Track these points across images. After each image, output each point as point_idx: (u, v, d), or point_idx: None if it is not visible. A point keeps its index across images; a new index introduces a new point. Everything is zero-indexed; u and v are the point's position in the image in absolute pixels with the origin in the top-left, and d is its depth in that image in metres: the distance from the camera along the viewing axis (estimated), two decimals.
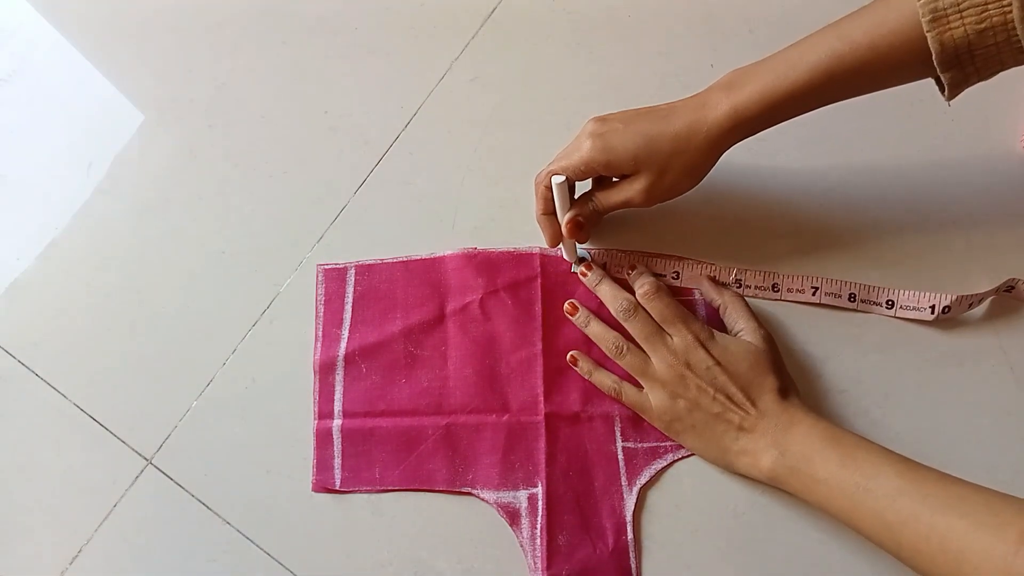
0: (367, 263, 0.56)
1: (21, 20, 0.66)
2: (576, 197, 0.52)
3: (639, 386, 0.50)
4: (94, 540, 0.52)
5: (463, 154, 0.59)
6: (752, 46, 0.60)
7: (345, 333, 0.54)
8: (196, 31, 0.64)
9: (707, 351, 0.48)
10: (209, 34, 0.64)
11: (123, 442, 0.54)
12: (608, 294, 0.52)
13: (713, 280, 0.53)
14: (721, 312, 0.52)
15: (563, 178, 0.49)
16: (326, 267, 0.56)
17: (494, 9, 0.63)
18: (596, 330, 0.52)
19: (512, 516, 0.50)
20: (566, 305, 0.53)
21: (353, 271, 0.55)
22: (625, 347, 0.50)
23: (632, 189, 0.48)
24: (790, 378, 0.49)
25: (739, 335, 0.50)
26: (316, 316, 0.55)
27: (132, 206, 0.59)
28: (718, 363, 0.48)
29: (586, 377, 0.52)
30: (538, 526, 0.50)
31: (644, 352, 0.50)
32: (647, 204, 0.49)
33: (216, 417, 0.54)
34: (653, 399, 0.49)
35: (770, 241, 0.55)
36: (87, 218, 0.59)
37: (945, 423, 0.50)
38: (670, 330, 0.50)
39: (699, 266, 0.53)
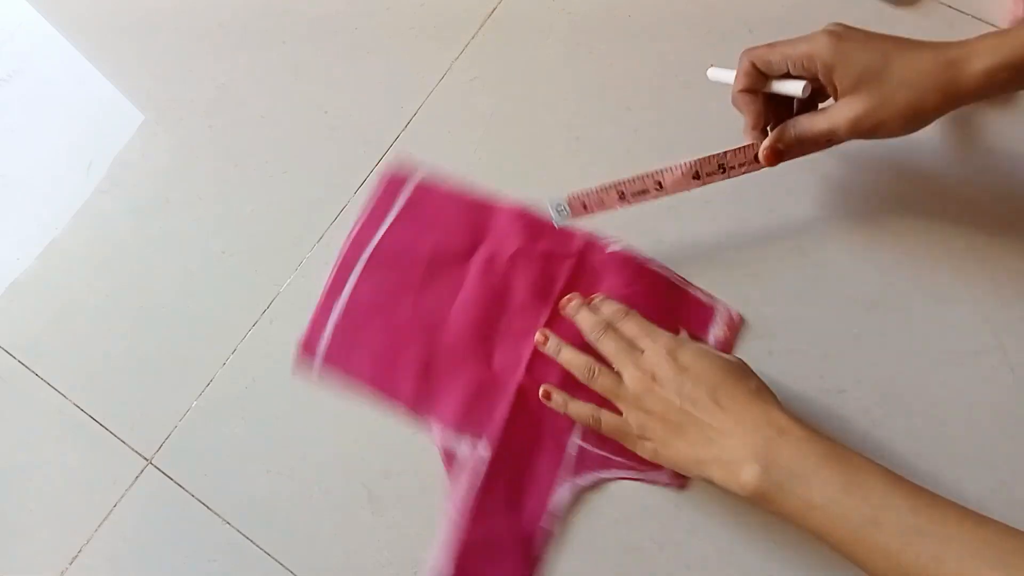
0: (428, 182, 0.57)
1: (21, 20, 0.66)
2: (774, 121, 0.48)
3: (619, 412, 0.48)
4: (94, 540, 0.52)
5: (463, 154, 0.59)
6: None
7: (378, 236, 0.56)
8: (196, 31, 0.64)
9: (674, 360, 0.45)
10: (209, 34, 0.64)
11: (123, 442, 0.54)
12: (583, 318, 0.50)
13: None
14: None
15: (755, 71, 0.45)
16: (393, 173, 0.58)
17: (494, 9, 0.63)
18: (568, 356, 0.49)
19: (450, 460, 0.51)
20: (537, 335, 0.51)
21: (413, 186, 0.57)
22: (596, 370, 0.48)
23: (840, 115, 0.43)
24: (767, 388, 0.45)
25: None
26: (363, 210, 0.57)
27: (132, 206, 0.59)
28: (685, 369, 0.45)
29: (562, 411, 0.50)
30: (470, 482, 0.50)
31: (616, 373, 0.47)
32: (851, 136, 0.44)
33: (216, 417, 0.54)
34: (630, 419, 0.46)
35: None
36: (87, 218, 0.59)
37: (945, 423, 0.50)
38: (641, 345, 0.47)
39: (680, 168, 0.50)
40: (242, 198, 0.59)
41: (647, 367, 0.46)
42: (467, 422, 0.52)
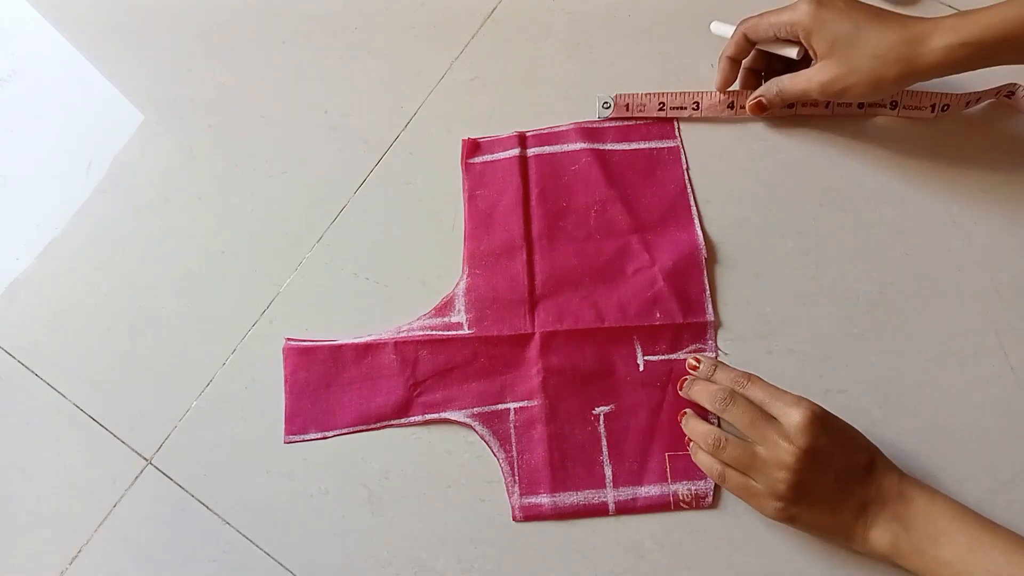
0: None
1: (21, 20, 0.66)
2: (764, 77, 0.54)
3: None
4: (94, 540, 0.52)
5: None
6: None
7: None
8: (196, 31, 0.64)
9: (824, 431, 0.43)
10: (209, 34, 0.64)
11: (123, 442, 0.54)
12: (703, 392, 0.48)
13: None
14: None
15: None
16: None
17: (494, 9, 0.63)
18: (694, 424, 0.48)
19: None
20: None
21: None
22: (724, 439, 0.46)
23: (814, 77, 0.48)
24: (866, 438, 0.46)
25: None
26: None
27: (132, 206, 0.59)
28: (837, 443, 0.44)
29: (688, 439, 0.49)
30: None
31: (746, 442, 0.45)
32: (822, 97, 0.49)
33: (216, 417, 0.54)
34: (761, 483, 0.44)
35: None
36: (87, 218, 0.59)
37: (945, 423, 0.50)
38: (774, 412, 0.44)
39: (717, 95, 0.55)
40: (242, 198, 0.59)
41: (793, 435, 0.43)
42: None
